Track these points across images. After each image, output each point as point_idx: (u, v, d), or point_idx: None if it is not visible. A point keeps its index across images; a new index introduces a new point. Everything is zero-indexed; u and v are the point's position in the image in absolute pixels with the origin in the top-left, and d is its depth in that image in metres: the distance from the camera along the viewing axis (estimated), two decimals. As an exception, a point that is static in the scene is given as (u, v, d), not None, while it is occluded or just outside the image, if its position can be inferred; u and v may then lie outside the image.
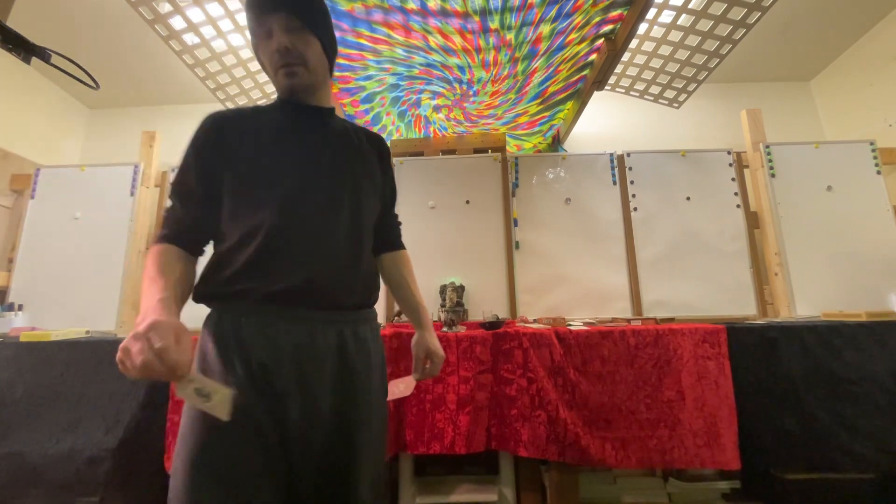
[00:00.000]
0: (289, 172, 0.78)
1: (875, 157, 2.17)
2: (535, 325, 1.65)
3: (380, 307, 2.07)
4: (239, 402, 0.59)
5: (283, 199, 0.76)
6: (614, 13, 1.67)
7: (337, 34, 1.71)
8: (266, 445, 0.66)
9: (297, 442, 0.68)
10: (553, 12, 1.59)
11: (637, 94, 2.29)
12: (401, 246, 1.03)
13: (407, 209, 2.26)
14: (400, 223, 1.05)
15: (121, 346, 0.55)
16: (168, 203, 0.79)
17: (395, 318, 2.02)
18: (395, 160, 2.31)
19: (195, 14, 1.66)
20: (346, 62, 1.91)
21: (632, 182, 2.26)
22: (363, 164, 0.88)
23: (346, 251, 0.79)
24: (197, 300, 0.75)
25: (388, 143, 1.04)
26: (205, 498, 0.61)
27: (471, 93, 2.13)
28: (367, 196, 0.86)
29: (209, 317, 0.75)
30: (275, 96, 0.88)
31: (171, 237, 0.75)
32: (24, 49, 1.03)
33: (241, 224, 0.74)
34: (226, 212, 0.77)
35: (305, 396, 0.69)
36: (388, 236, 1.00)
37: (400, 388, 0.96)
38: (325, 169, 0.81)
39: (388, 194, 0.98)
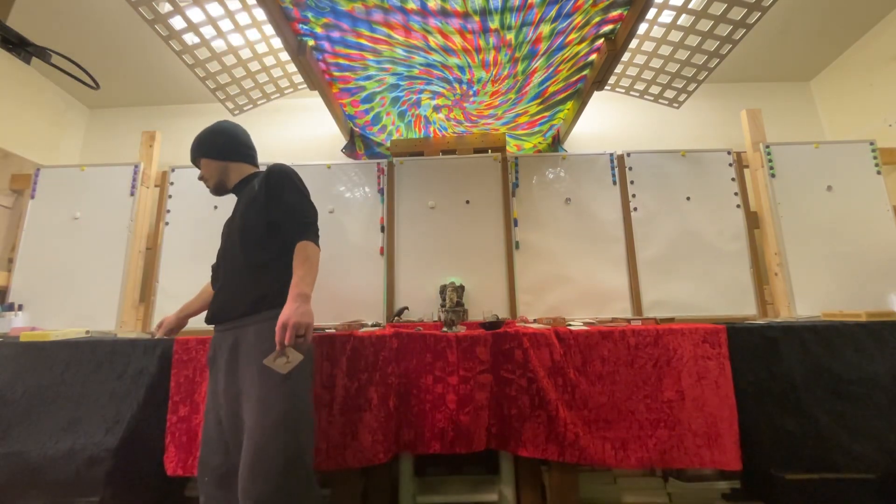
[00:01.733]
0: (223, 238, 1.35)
1: (875, 157, 2.17)
2: (535, 325, 1.65)
3: (379, 308, 2.09)
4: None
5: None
6: (614, 13, 1.67)
7: (337, 34, 1.73)
8: (215, 395, 1.20)
9: (219, 398, 1.18)
10: (553, 12, 1.59)
11: (637, 94, 2.29)
12: (296, 241, 1.19)
13: (407, 209, 2.26)
14: (298, 218, 1.21)
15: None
16: None
17: (395, 317, 2.02)
18: (395, 160, 2.32)
19: (195, 14, 1.66)
20: (346, 62, 1.91)
21: (632, 182, 2.26)
22: (246, 207, 1.26)
23: (232, 283, 1.24)
24: None
25: (281, 168, 1.28)
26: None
27: (471, 93, 2.13)
28: (248, 229, 1.23)
29: None
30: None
31: None
32: (25, 49, 1.03)
33: None
34: None
35: (217, 374, 1.21)
36: (286, 237, 1.21)
37: (280, 361, 1.06)
38: (229, 228, 1.31)
39: (277, 208, 1.22)
